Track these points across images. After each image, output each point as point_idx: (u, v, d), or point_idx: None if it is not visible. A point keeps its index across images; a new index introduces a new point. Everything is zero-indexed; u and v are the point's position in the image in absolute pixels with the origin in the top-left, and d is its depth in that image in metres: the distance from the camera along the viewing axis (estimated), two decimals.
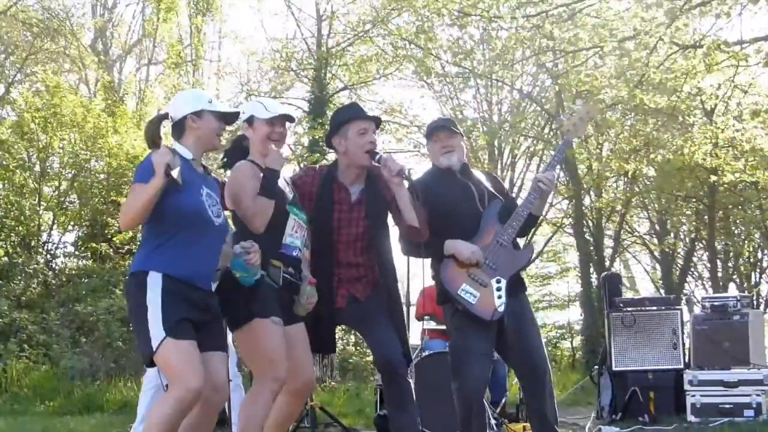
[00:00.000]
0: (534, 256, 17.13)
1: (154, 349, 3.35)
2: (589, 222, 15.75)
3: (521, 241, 4.90)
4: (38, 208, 13.06)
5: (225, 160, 4.19)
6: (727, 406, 6.81)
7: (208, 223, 3.55)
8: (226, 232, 3.77)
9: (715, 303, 7.45)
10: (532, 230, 8.28)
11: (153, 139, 3.61)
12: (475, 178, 4.52)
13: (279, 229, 3.92)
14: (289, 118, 4.11)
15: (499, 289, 4.24)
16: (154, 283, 3.41)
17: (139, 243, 3.77)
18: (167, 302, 3.39)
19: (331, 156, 13.46)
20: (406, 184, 4.16)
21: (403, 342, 4.23)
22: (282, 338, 3.82)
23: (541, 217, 4.61)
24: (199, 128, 3.63)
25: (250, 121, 4.05)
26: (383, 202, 4.28)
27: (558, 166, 4.72)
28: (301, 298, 3.98)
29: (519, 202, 4.57)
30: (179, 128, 3.65)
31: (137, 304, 3.43)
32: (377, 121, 4.46)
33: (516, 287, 4.40)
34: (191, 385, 3.33)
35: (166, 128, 3.73)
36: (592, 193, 15.70)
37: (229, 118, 3.75)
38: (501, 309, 4.23)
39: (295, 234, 3.97)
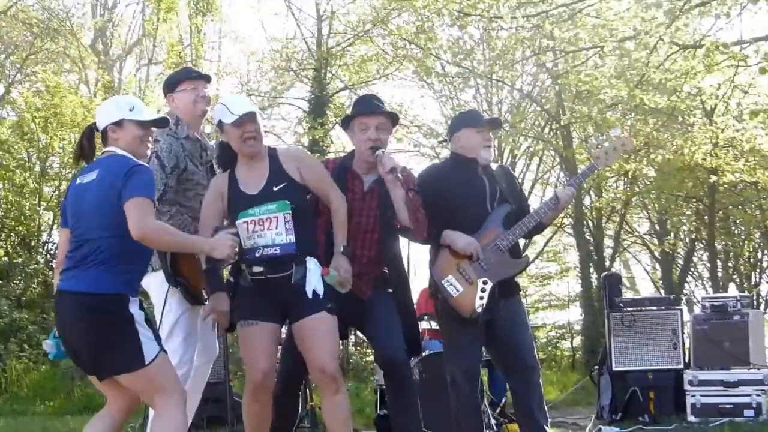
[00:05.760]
0: (533, 257, 17.21)
1: (146, 363, 3.37)
2: (589, 222, 15.73)
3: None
4: (38, 208, 13.06)
5: (218, 168, 4.17)
6: (727, 406, 6.83)
7: None
8: None
9: (715, 303, 7.46)
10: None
11: (82, 149, 3.57)
12: (492, 175, 4.46)
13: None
14: (253, 115, 3.92)
15: (483, 290, 4.22)
16: (135, 304, 3.45)
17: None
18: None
19: (332, 155, 13.48)
20: (399, 183, 4.08)
21: (413, 337, 4.24)
22: (253, 339, 3.89)
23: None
24: (118, 138, 3.47)
25: (220, 126, 3.98)
26: None
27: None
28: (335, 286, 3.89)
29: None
30: (104, 138, 3.53)
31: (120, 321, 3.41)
32: (391, 117, 4.37)
33: (509, 289, 4.39)
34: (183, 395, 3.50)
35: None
36: (592, 193, 15.68)
37: (156, 123, 3.58)
38: (479, 310, 4.20)
39: (254, 233, 3.85)
